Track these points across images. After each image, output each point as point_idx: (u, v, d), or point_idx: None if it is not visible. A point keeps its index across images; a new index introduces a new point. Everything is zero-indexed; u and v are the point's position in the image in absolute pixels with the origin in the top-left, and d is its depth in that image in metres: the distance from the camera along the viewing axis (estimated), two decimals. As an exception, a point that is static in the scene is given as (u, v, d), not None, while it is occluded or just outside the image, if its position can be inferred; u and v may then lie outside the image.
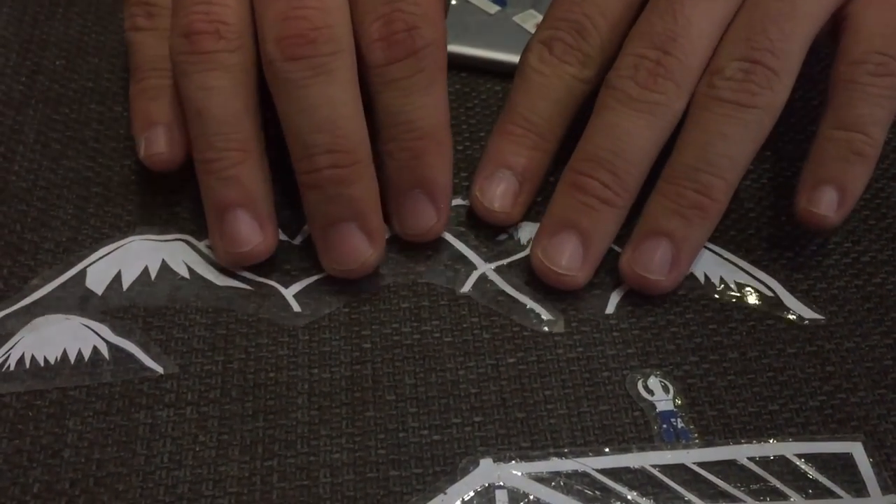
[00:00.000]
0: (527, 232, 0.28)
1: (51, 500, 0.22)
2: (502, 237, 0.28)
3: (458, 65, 0.32)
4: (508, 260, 0.27)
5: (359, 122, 0.25)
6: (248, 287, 0.26)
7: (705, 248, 0.28)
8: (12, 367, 0.24)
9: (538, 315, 0.26)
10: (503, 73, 0.32)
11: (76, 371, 0.24)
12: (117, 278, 0.25)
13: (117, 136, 0.29)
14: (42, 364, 0.24)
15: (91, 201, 0.28)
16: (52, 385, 0.23)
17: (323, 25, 0.24)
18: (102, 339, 0.24)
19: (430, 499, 0.22)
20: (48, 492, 0.22)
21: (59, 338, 0.24)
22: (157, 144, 0.26)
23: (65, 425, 0.23)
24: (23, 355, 0.24)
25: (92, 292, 0.25)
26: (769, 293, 0.27)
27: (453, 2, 0.33)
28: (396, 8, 0.25)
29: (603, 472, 0.23)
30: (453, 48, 0.32)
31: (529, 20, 0.33)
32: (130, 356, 0.24)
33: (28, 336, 0.24)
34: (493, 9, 0.33)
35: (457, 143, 0.30)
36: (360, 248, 0.25)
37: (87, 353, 0.24)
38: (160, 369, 0.24)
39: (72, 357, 0.24)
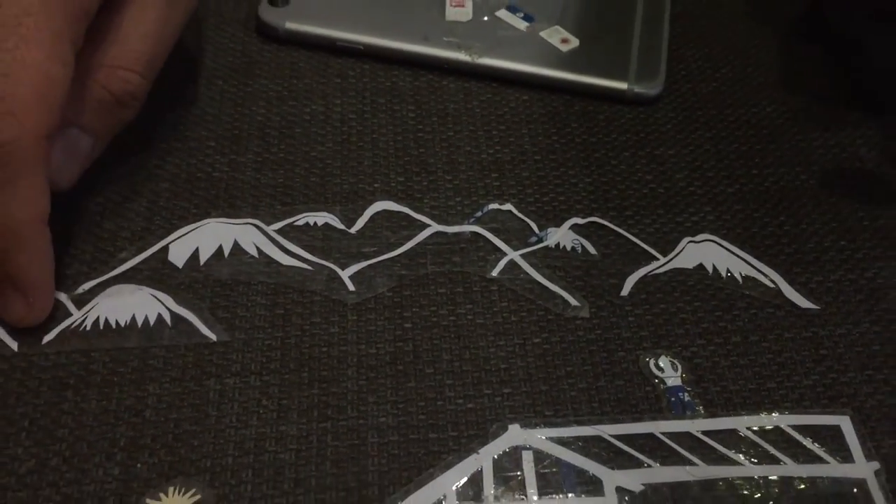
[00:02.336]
0: (555, 237, 0.31)
1: (135, 453, 0.25)
2: (533, 239, 0.31)
3: (490, 76, 0.35)
4: (537, 247, 0.30)
5: None
6: (309, 267, 0.29)
7: (714, 242, 0.31)
8: (88, 328, 0.27)
9: (566, 301, 0.29)
10: (531, 83, 0.35)
11: (141, 334, 0.27)
12: (195, 254, 0.29)
13: (183, 136, 0.33)
14: (113, 326, 0.27)
15: (161, 195, 0.31)
16: (118, 345, 0.27)
17: None
18: (166, 307, 0.28)
19: (465, 458, 0.25)
20: (133, 446, 0.25)
21: (130, 305, 0.27)
22: None
23: (146, 389, 0.26)
24: (97, 318, 0.27)
25: (173, 265, 0.29)
26: (770, 284, 0.30)
27: (485, 18, 0.37)
28: None
29: (617, 437, 0.26)
30: (486, 61, 0.35)
31: (555, 35, 0.36)
32: (189, 324, 0.28)
33: (103, 302, 0.27)
34: (523, 25, 0.37)
35: (488, 148, 0.33)
36: (15, 308, 0.26)
37: (152, 319, 0.27)
38: (213, 337, 0.27)
39: (139, 321, 0.27)
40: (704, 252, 0.30)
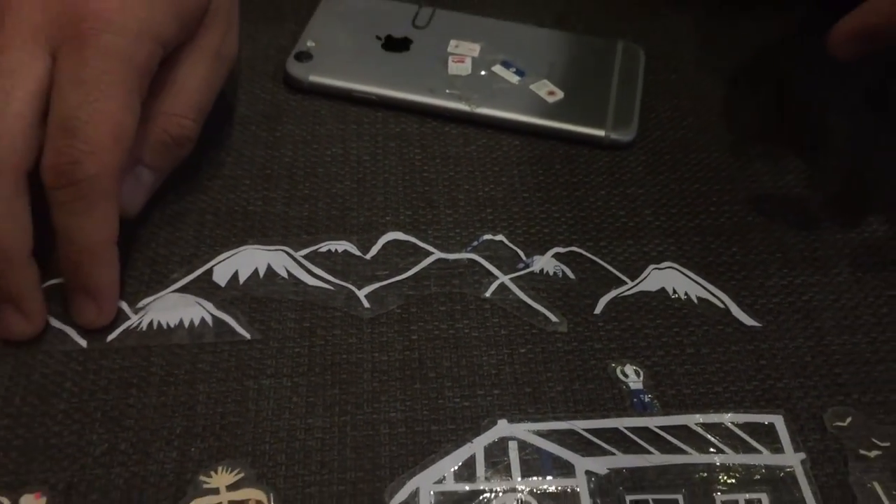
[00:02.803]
0: (540, 263, 0.36)
1: (189, 440, 0.30)
2: (521, 265, 0.36)
3: (486, 124, 0.41)
4: (524, 272, 0.35)
5: (13, 231, 0.30)
6: (331, 287, 0.34)
7: (675, 269, 0.36)
8: (144, 328, 0.33)
9: (548, 318, 0.34)
10: (521, 130, 0.41)
11: (187, 333, 0.33)
12: (235, 275, 0.34)
13: (222, 175, 0.38)
14: (164, 327, 0.33)
15: (205, 226, 0.36)
16: (167, 341, 0.32)
17: None
18: (208, 311, 0.33)
19: (461, 446, 0.30)
20: (187, 434, 0.30)
21: (177, 309, 0.33)
22: None
23: (196, 388, 0.32)
24: (151, 320, 0.33)
25: (217, 284, 0.34)
26: (721, 305, 0.35)
27: (482, 73, 0.42)
28: (68, 144, 0.30)
29: (587, 430, 0.31)
30: (483, 110, 0.41)
31: (542, 88, 0.42)
32: (227, 325, 0.33)
33: (155, 307, 0.33)
34: (515, 79, 0.42)
35: (483, 186, 0.39)
36: (14, 323, 0.31)
37: (196, 321, 0.33)
38: (248, 335, 0.33)
39: (185, 323, 0.33)
40: (666, 277, 0.36)
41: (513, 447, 0.31)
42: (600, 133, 0.40)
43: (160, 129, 0.34)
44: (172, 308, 0.33)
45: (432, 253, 0.36)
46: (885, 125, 0.37)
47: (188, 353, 0.32)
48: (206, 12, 0.35)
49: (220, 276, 0.35)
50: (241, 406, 0.31)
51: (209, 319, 0.33)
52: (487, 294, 0.35)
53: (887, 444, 0.31)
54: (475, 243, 0.36)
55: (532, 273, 0.36)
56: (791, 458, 0.31)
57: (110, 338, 0.33)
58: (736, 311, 0.35)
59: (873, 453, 0.31)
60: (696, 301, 0.35)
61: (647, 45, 0.45)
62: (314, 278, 0.35)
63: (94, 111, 0.30)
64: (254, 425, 0.31)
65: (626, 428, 0.31)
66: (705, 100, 0.43)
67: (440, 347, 0.33)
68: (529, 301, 0.35)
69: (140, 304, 0.33)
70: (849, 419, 0.32)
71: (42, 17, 0.30)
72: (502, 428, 0.31)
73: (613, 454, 0.30)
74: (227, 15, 0.36)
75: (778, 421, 0.32)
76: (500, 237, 0.37)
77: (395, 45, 0.43)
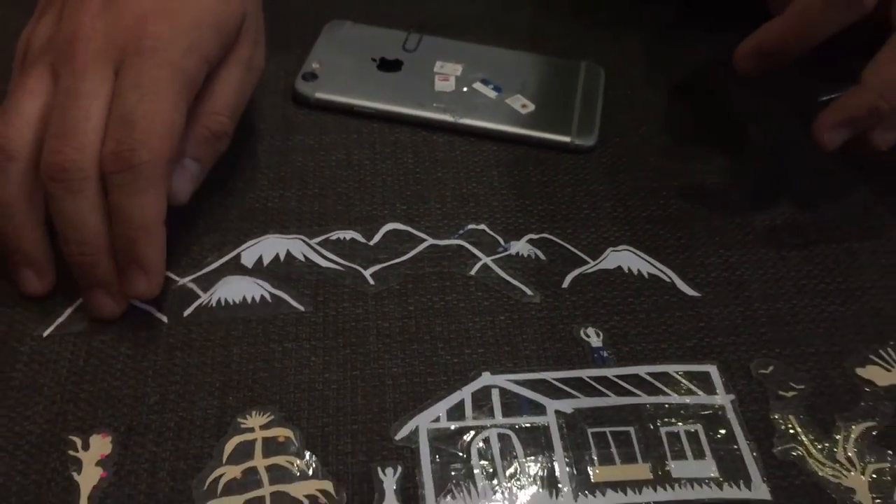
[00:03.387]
0: (517, 247, 0.43)
1: (227, 391, 0.36)
2: (500, 249, 0.43)
3: (469, 132, 0.48)
4: (502, 255, 0.42)
5: (104, 226, 0.36)
6: (341, 268, 0.41)
7: (629, 251, 0.43)
8: (213, 305, 0.39)
9: (523, 291, 0.41)
10: (499, 138, 0.47)
11: (251, 308, 0.39)
12: (259, 259, 0.41)
13: (244, 178, 0.45)
14: (231, 303, 0.39)
15: (232, 219, 0.43)
16: (235, 315, 0.38)
17: (72, 162, 0.35)
18: (266, 290, 0.39)
19: (452, 393, 0.37)
20: (225, 386, 0.37)
21: (241, 288, 0.39)
22: None
23: (231, 350, 0.38)
24: (219, 298, 0.39)
25: (245, 266, 0.41)
26: (667, 280, 0.42)
27: (465, 89, 0.49)
28: (127, 134, 0.35)
29: (556, 379, 0.38)
30: (465, 121, 0.47)
31: (516, 102, 0.49)
32: (284, 300, 0.40)
33: (221, 287, 0.39)
34: (493, 94, 0.49)
35: (468, 184, 0.45)
36: (104, 304, 0.38)
37: (257, 298, 0.39)
38: (302, 308, 0.39)
39: (248, 300, 0.39)
40: (622, 258, 0.42)
41: (495, 393, 0.37)
42: (566, 139, 0.47)
43: (202, 125, 0.40)
44: (236, 287, 0.40)
45: (425, 240, 0.43)
46: (800, 129, 0.44)
47: (223, 322, 0.39)
48: (240, 31, 0.41)
49: (248, 260, 0.41)
50: (269, 364, 0.38)
51: (267, 296, 0.40)
52: (472, 273, 0.41)
53: (802, 387, 0.38)
54: (461, 231, 0.43)
55: (510, 255, 0.42)
56: (723, 399, 0.37)
57: (186, 313, 0.39)
58: (680, 284, 0.42)
59: (790, 394, 0.38)
60: (646, 276, 0.42)
61: (607, 66, 0.52)
62: (326, 261, 0.41)
63: (149, 109, 0.36)
64: (280, 379, 0.37)
65: (588, 377, 0.38)
66: (655, 111, 0.50)
67: (433, 316, 0.40)
68: (508, 278, 0.41)
69: (182, 283, 0.40)
70: (771, 367, 0.38)
71: (106, 44, 0.37)
72: (486, 378, 0.38)
73: (578, 397, 0.37)
74: (255, 34, 0.43)
75: (712, 370, 0.38)
76: (482, 226, 0.43)
77: (389, 65, 0.50)
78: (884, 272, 0.42)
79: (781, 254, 0.43)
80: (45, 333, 0.38)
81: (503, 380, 0.38)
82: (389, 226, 0.43)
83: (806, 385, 0.38)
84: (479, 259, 0.42)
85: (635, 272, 0.42)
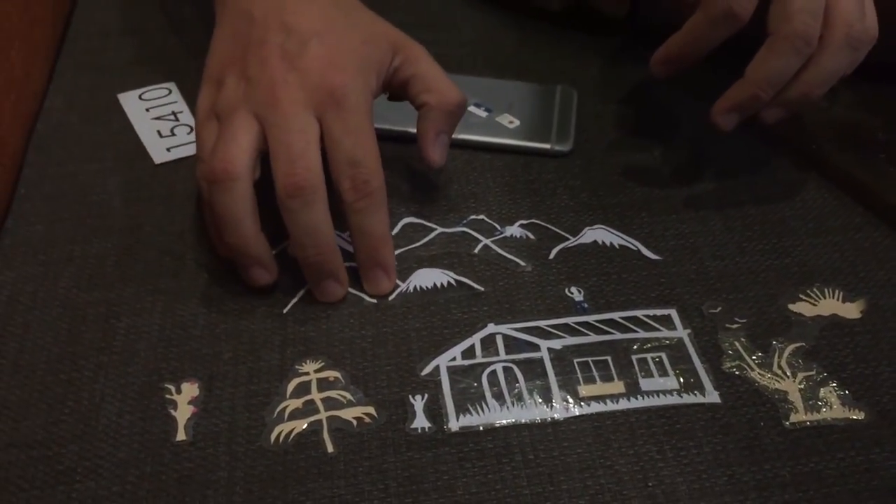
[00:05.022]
0: (510, 231, 0.52)
1: (285, 346, 0.46)
2: (497, 233, 0.52)
3: (466, 146, 0.58)
4: (499, 237, 0.52)
5: (330, 232, 0.45)
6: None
7: (602, 228, 0.52)
8: (410, 291, 0.49)
9: (518, 263, 0.50)
10: (491, 149, 0.57)
11: (439, 292, 0.49)
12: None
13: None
14: (423, 289, 0.49)
15: (277, 222, 0.53)
16: (425, 300, 0.48)
17: (306, 180, 0.44)
18: (451, 277, 0.49)
19: (464, 339, 0.46)
20: (283, 343, 0.46)
21: (431, 277, 0.49)
22: None
23: (287, 318, 0.47)
24: (415, 286, 0.49)
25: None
26: (634, 248, 0.51)
27: (462, 112, 0.59)
28: (358, 171, 0.45)
29: (548, 325, 0.47)
30: (463, 136, 0.57)
31: (504, 119, 0.59)
32: (466, 284, 0.49)
33: (415, 277, 0.49)
34: (484, 114, 0.59)
35: (467, 185, 0.55)
36: (336, 290, 0.47)
37: (445, 284, 0.49)
38: (481, 289, 0.49)
39: (438, 285, 0.49)
40: (597, 234, 0.52)
41: (499, 339, 0.46)
42: (547, 146, 0.57)
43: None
44: (426, 276, 0.50)
45: (435, 228, 0.52)
46: (748, 137, 0.54)
47: (278, 297, 0.48)
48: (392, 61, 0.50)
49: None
50: (318, 325, 0.47)
51: (454, 282, 0.49)
52: (475, 252, 0.51)
53: (744, 321, 0.47)
54: (465, 221, 0.53)
55: (505, 237, 0.52)
56: (681, 332, 0.47)
57: (391, 298, 0.49)
58: (644, 251, 0.51)
59: (735, 326, 0.47)
60: (617, 247, 0.51)
61: (579, 87, 0.62)
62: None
63: (364, 148, 0.46)
64: (327, 336, 0.47)
65: (573, 323, 0.47)
66: (619, 121, 0.60)
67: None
68: (504, 254, 0.51)
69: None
70: (719, 308, 0.48)
71: (302, 92, 0.46)
72: (491, 328, 0.47)
73: (565, 337, 0.46)
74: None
75: (672, 312, 0.48)
76: (481, 216, 0.53)
77: (398, 97, 0.60)
78: (810, 233, 0.52)
79: (727, 224, 0.53)
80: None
81: (505, 328, 0.47)
82: (406, 219, 0.53)
83: (748, 319, 0.47)
84: (481, 241, 0.52)
85: (608, 244, 0.52)
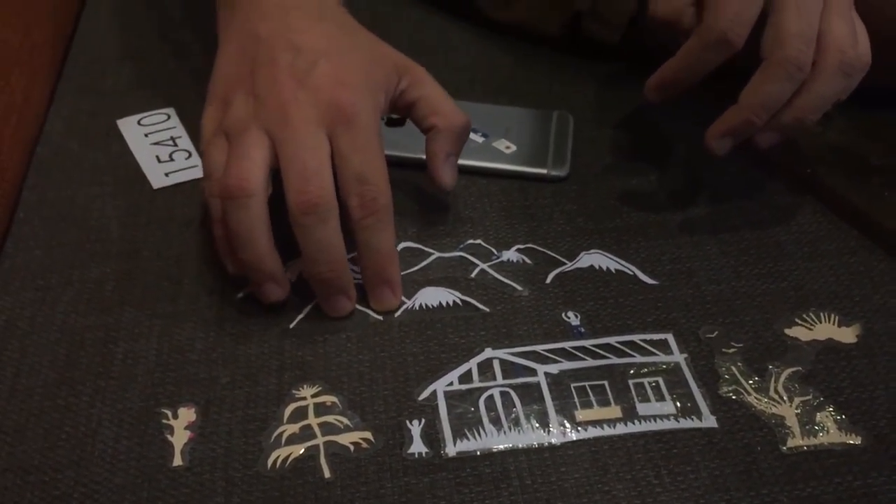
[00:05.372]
0: (507, 255, 0.53)
1: (283, 372, 0.46)
2: (494, 257, 0.53)
3: (464, 170, 0.58)
4: (496, 262, 0.52)
5: (341, 249, 0.46)
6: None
7: (599, 253, 0.53)
8: (416, 308, 0.49)
9: (514, 287, 0.51)
10: (489, 174, 0.58)
11: (445, 310, 0.49)
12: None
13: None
14: (428, 307, 0.49)
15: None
16: (430, 317, 0.49)
17: (319, 198, 0.45)
18: (454, 296, 0.50)
19: (461, 364, 0.46)
20: (280, 369, 0.46)
21: (437, 296, 0.50)
22: None
23: (283, 341, 0.47)
24: (421, 303, 0.49)
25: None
26: (630, 273, 0.52)
27: (459, 137, 0.60)
28: (366, 188, 0.46)
29: (545, 350, 0.47)
30: (461, 162, 0.57)
31: (501, 144, 0.59)
32: (471, 304, 0.49)
33: (421, 295, 0.50)
34: (482, 140, 0.60)
35: (465, 209, 0.55)
36: (345, 305, 0.48)
37: (451, 303, 0.49)
38: (486, 309, 0.49)
39: (442, 304, 0.49)
40: (593, 259, 0.52)
41: (496, 363, 0.47)
42: (543, 171, 0.58)
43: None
44: (432, 294, 0.50)
45: (433, 253, 0.53)
46: (743, 161, 0.55)
47: (275, 320, 0.48)
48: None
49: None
50: (315, 349, 0.47)
51: (459, 301, 0.50)
52: (472, 276, 0.51)
53: (741, 345, 0.47)
54: (462, 245, 0.53)
55: (502, 262, 0.52)
56: (678, 357, 0.47)
57: (397, 315, 0.49)
58: (640, 275, 0.51)
59: (731, 350, 0.47)
60: (613, 272, 0.52)
61: (575, 113, 0.62)
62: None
63: (372, 166, 0.47)
64: (324, 361, 0.47)
65: (569, 347, 0.47)
66: (614, 146, 0.60)
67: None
68: (501, 278, 0.51)
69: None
70: (716, 332, 0.48)
71: (314, 110, 0.46)
72: (488, 353, 0.47)
73: (561, 362, 0.46)
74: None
75: (669, 337, 0.48)
76: (479, 241, 0.53)
77: (395, 122, 0.60)
78: (805, 257, 0.52)
79: (722, 248, 0.53)
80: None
81: (502, 353, 0.47)
82: (404, 244, 0.53)
83: (744, 343, 0.47)
84: (478, 265, 0.52)
85: (604, 269, 0.52)
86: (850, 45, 0.48)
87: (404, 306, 0.49)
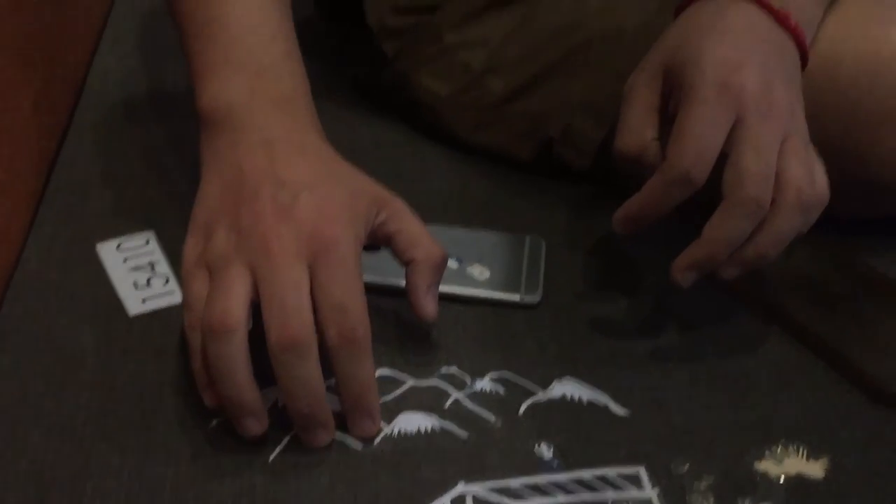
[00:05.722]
0: (481, 385, 0.53)
1: None
2: (467, 387, 0.53)
3: (441, 296, 0.59)
4: (470, 392, 0.52)
5: (321, 384, 0.46)
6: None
7: (570, 380, 0.53)
8: (395, 434, 0.48)
9: (487, 420, 0.51)
10: (461, 300, 0.59)
11: (422, 437, 0.48)
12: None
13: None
14: (407, 434, 0.49)
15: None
16: (410, 445, 0.49)
17: (300, 336, 0.45)
18: (434, 421, 0.49)
19: (434, 501, 0.46)
20: None
21: (415, 421, 0.50)
22: None
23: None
24: (399, 429, 0.50)
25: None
26: (601, 404, 0.52)
27: (434, 262, 0.61)
28: (345, 318, 0.46)
29: (519, 484, 0.47)
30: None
31: (475, 270, 0.60)
32: (449, 431, 0.49)
33: (399, 421, 0.51)
34: (455, 265, 0.61)
35: (439, 335, 0.56)
36: (324, 438, 0.48)
37: (429, 429, 0.49)
38: (463, 435, 0.49)
39: (421, 431, 0.48)
40: (566, 388, 0.53)
41: (469, 499, 0.47)
42: (516, 298, 0.59)
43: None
44: (412, 420, 0.51)
45: (407, 381, 0.53)
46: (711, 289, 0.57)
47: (252, 453, 0.48)
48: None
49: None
50: (288, 486, 0.47)
51: (437, 427, 0.50)
52: (446, 407, 0.52)
53: (712, 479, 0.48)
54: (437, 373, 0.54)
55: (475, 392, 0.53)
56: (650, 493, 0.47)
57: (376, 443, 0.49)
58: (612, 406, 0.52)
59: (703, 485, 0.47)
60: (585, 403, 0.52)
61: (547, 237, 0.64)
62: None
63: (351, 297, 0.47)
64: (296, 499, 0.46)
65: (543, 483, 0.47)
66: (586, 271, 0.62)
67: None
68: (475, 409, 0.52)
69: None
70: (687, 466, 0.48)
71: (296, 244, 0.47)
72: (461, 488, 0.47)
73: (534, 499, 0.47)
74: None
75: (641, 470, 0.48)
76: (453, 368, 0.54)
77: (370, 247, 0.61)
78: (773, 388, 0.53)
79: (692, 377, 0.54)
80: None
81: (476, 487, 0.47)
82: (379, 371, 0.53)
83: (715, 477, 0.48)
84: (451, 395, 0.52)
85: (577, 399, 0.52)
86: (807, 182, 0.50)
87: (383, 433, 0.50)
